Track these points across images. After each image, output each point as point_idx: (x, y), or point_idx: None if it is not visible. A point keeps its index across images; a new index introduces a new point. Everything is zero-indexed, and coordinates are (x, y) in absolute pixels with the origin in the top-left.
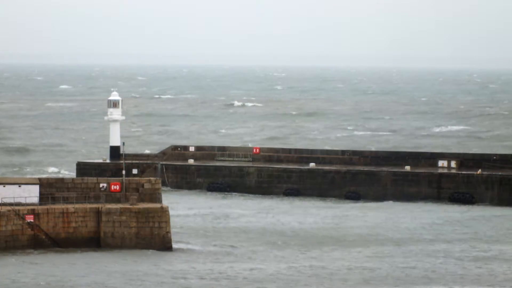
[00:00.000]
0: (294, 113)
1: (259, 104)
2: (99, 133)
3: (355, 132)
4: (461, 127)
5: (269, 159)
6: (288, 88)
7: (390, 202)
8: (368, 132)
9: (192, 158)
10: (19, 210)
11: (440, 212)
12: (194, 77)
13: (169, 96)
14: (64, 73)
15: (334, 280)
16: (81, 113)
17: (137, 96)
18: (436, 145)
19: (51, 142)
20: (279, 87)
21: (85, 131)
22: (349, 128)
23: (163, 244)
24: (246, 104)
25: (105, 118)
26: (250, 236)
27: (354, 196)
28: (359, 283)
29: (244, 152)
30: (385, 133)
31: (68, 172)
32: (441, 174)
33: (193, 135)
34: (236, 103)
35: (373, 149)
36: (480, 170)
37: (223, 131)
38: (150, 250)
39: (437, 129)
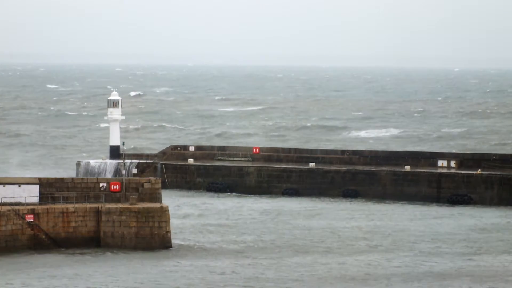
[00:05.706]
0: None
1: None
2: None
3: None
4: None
5: (268, 159)
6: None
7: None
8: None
9: (192, 158)
10: (19, 210)
11: None
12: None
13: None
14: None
15: None
16: None
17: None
18: (436, 145)
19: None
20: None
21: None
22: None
23: (163, 244)
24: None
25: (105, 118)
26: (251, 235)
27: (352, 194)
28: None
29: (244, 152)
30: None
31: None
32: (440, 174)
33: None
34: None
35: (372, 149)
36: (480, 170)
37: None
38: (150, 250)
39: (436, 129)
